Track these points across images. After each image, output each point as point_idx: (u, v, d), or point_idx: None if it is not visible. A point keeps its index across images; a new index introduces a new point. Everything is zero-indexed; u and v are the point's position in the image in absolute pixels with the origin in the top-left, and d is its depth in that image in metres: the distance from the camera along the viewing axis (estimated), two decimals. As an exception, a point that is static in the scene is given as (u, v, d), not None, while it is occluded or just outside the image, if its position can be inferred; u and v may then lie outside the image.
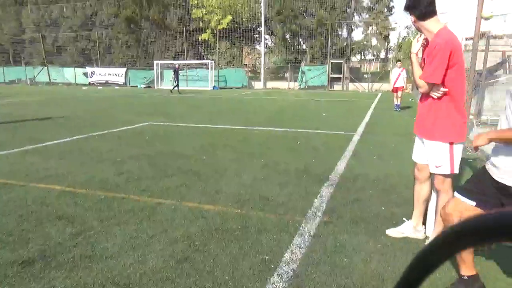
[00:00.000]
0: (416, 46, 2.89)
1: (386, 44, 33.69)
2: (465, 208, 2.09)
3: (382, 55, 35.13)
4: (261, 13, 30.22)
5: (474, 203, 2.08)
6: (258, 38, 34.62)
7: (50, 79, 34.51)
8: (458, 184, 3.12)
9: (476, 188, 2.13)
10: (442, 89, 2.70)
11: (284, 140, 7.39)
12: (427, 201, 3.18)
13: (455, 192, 2.22)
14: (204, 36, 32.02)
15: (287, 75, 31.66)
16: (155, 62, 30.65)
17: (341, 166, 5.38)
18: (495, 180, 2.06)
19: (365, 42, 33.54)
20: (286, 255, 2.79)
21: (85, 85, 32.04)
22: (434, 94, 2.74)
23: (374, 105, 15.50)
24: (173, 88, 22.89)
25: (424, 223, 3.17)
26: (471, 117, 8.40)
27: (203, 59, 32.38)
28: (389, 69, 28.75)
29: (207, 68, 29.74)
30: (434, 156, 2.84)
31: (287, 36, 33.85)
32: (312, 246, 2.94)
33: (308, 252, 2.83)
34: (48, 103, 15.68)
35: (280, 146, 6.80)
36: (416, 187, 3.20)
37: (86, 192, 4.15)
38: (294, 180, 4.70)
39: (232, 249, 2.88)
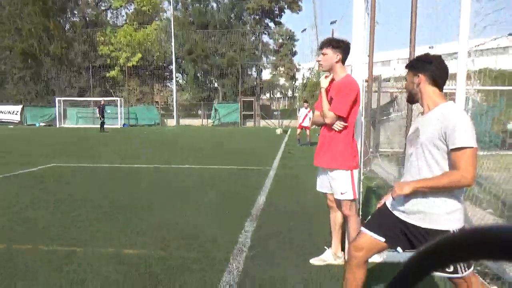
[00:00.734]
0: (326, 82, 3.17)
1: (293, 83, 36.24)
2: (375, 243, 2.15)
3: (289, 93, 37.60)
4: (172, 51, 30.41)
5: (383, 239, 2.14)
6: (169, 76, 34.59)
7: None
8: (367, 211, 3.43)
9: (382, 224, 2.17)
10: (343, 123, 3.03)
11: (202, 177, 7.36)
12: (343, 227, 3.43)
13: (364, 228, 2.23)
14: (113, 73, 31.01)
15: (200, 112, 31.90)
16: (57, 99, 28.54)
17: (261, 200, 5.52)
18: (398, 218, 2.11)
19: (275, 82, 35.66)
20: (217, 294, 2.74)
21: (-30, 124, 28.31)
22: (337, 127, 3.05)
23: (285, 140, 16.33)
24: (101, 126, 21.68)
25: (343, 249, 3.40)
26: (370, 150, 9.33)
27: (111, 96, 31.10)
28: (295, 107, 30.68)
29: (116, 105, 28.57)
30: (338, 184, 3.12)
31: (199, 75, 34.45)
32: (242, 282, 2.94)
33: (238, 289, 2.82)
34: None
35: (199, 184, 6.75)
36: (331, 215, 3.44)
37: (-19, 246, 3.61)
38: (217, 217, 4.68)
39: (159, 293, 2.74)
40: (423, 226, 2.01)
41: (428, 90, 2.08)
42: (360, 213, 3.60)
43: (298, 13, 33.91)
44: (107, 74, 31.36)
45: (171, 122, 30.09)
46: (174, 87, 31.17)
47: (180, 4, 35.39)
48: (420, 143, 2.05)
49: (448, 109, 2.00)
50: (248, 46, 33.33)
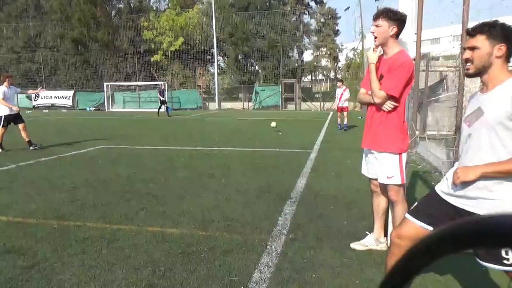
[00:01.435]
0: (375, 56, 2.92)
1: (335, 64, 35.27)
2: (422, 232, 1.99)
3: (332, 75, 36.69)
4: (213, 35, 30.54)
5: (431, 228, 1.98)
6: (211, 60, 34.85)
7: (-12, 103, 32.24)
8: (412, 197, 3.28)
9: (431, 212, 2.02)
10: (394, 103, 2.85)
11: (243, 160, 7.41)
12: (386, 213, 3.31)
13: (409, 215, 2.10)
14: (156, 57, 31.69)
15: (241, 95, 32.00)
16: (105, 84, 29.76)
17: (301, 183, 5.47)
18: (453, 205, 1.95)
19: (315, 63, 34.87)
20: (255, 275, 2.75)
21: (29, 108, 30.25)
22: (386, 107, 2.87)
23: (327, 123, 16.03)
24: (165, 110, 22.09)
25: (385, 234, 3.29)
26: (417, 132, 8.92)
27: (156, 80, 31.93)
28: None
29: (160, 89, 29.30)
30: (385, 167, 2.96)
31: (240, 57, 34.41)
32: (280, 264, 2.93)
33: (276, 271, 2.82)
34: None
35: (239, 166, 6.80)
36: (374, 200, 3.32)
37: (37, 222, 3.87)
38: (257, 199, 4.70)
39: (199, 272, 2.81)
40: (482, 213, 1.81)
41: (499, 63, 1.83)
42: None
43: (341, -10, 32.71)
44: (151, 59, 32.14)
45: (213, 106, 30.47)
46: (215, 71, 31.42)
47: (220, -14, 35.28)
48: (482, 123, 1.85)
49: None
50: (289, 27, 32.72)
